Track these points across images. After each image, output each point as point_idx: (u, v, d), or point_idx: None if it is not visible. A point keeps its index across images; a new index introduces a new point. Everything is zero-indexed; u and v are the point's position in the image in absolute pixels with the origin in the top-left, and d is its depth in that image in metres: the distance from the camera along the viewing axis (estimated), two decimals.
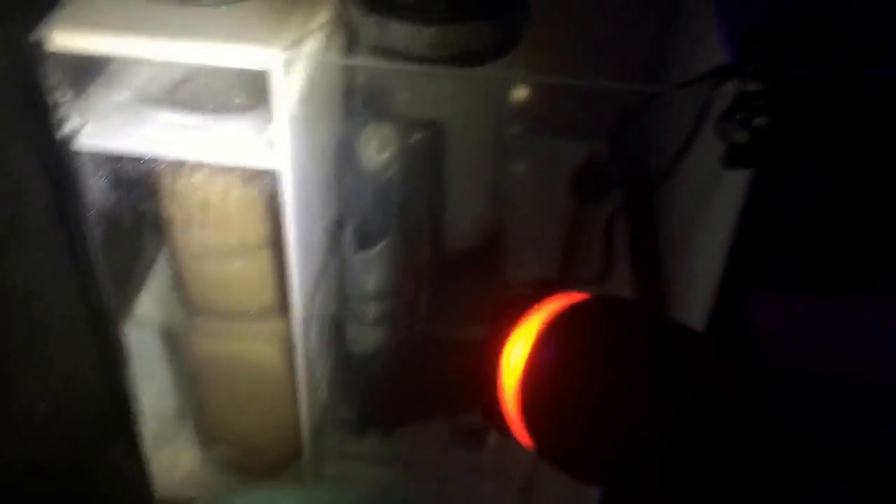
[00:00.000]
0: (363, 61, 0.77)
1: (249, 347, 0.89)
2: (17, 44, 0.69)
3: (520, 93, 0.81)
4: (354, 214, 0.81)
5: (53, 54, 0.67)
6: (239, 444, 0.97)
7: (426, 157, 0.78)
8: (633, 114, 0.79)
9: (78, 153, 0.73)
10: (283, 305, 0.82)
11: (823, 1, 0.64)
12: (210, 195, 0.76)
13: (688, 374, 0.46)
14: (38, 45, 0.66)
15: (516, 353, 0.49)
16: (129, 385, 0.90)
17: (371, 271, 0.83)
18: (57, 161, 0.74)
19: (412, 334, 0.89)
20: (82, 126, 0.72)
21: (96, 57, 0.71)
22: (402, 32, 0.71)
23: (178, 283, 0.86)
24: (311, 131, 0.75)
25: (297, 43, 0.68)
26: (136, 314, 0.88)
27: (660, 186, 0.89)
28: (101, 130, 0.73)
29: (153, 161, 0.74)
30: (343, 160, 0.80)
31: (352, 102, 0.82)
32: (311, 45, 0.71)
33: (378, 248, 0.81)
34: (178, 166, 0.75)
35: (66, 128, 0.71)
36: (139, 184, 0.77)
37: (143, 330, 0.93)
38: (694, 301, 0.77)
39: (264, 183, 0.75)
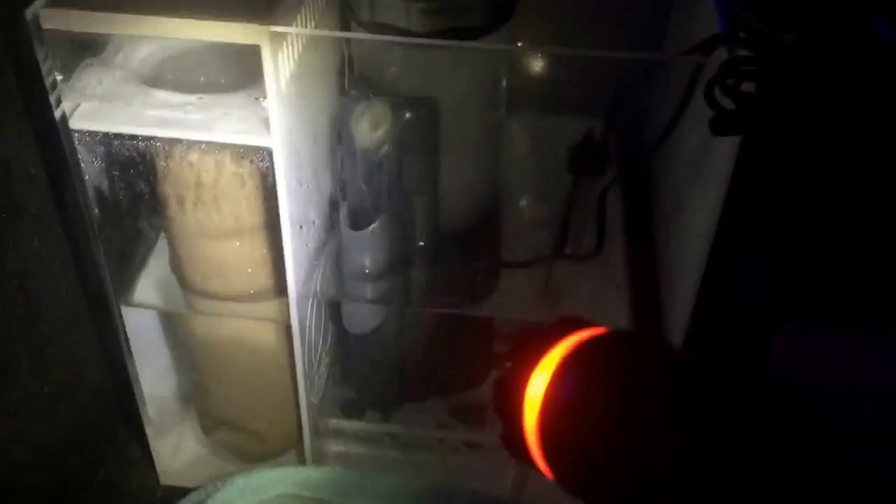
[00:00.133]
0: (355, 35, 0.77)
1: (248, 329, 0.89)
2: (10, 22, 0.70)
3: (515, 68, 0.81)
4: (349, 193, 0.81)
5: (48, 31, 0.67)
6: (240, 426, 0.97)
7: (420, 134, 0.78)
8: (631, 88, 0.79)
9: (74, 133, 0.73)
10: (280, 286, 0.82)
11: None
12: (204, 175, 0.77)
13: (705, 408, 0.47)
14: (33, 23, 0.66)
15: (537, 386, 0.51)
16: (132, 370, 0.90)
17: (367, 250, 0.83)
18: (54, 142, 0.74)
19: (409, 313, 0.89)
20: (76, 107, 0.73)
21: (91, 36, 0.71)
22: (394, 7, 0.72)
23: (176, 266, 0.86)
24: (303, 108, 0.75)
25: (288, 18, 0.68)
26: (136, 298, 0.88)
27: (652, 157, 0.89)
28: (96, 111, 0.73)
29: (149, 141, 0.75)
30: (336, 138, 0.81)
31: (345, 80, 0.83)
32: (304, 21, 0.71)
33: (373, 226, 0.81)
34: (173, 146, 0.75)
35: (62, 108, 0.72)
36: (136, 165, 0.78)
37: (142, 314, 0.93)
38: (686, 272, 0.77)
39: (259, 161, 0.75)
